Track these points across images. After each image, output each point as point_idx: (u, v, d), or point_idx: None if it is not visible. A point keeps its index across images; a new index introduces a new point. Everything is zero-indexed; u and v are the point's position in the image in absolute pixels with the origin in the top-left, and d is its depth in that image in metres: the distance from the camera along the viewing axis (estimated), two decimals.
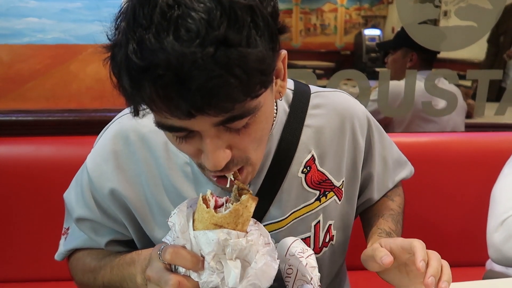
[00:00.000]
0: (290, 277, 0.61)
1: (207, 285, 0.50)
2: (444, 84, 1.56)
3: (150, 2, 0.43)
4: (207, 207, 0.50)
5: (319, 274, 0.60)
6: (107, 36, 0.48)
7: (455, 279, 0.72)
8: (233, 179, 0.54)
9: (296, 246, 0.62)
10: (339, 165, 0.73)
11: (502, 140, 1.36)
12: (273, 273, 0.52)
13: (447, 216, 1.35)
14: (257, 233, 0.52)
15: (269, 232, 0.68)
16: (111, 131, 0.70)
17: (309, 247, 0.72)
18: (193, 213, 0.52)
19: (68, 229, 0.78)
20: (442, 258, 0.61)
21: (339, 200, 0.75)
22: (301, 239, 0.71)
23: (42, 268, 1.28)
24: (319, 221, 0.73)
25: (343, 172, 0.74)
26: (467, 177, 1.34)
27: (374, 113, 1.57)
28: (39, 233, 1.27)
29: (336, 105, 0.74)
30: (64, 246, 0.77)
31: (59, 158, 1.28)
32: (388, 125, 1.66)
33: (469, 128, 1.70)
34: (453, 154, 1.37)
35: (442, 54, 2.90)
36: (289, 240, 0.63)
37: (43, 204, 1.26)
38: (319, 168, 0.72)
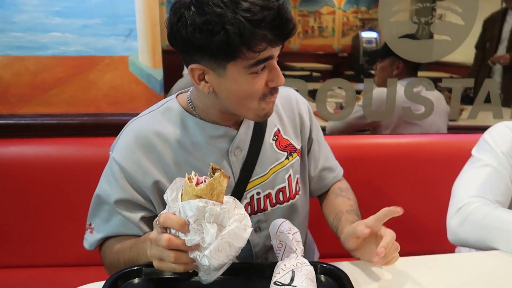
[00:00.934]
0: (280, 250, 0.76)
1: (191, 242, 0.64)
2: (427, 90, 1.69)
3: None
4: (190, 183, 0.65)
5: (302, 247, 0.75)
6: (195, 32, 0.72)
7: None
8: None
9: (284, 225, 0.76)
10: (296, 135, 0.99)
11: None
12: (245, 235, 0.66)
13: (427, 210, 1.48)
14: (231, 205, 0.67)
15: (257, 185, 0.90)
16: (130, 132, 0.88)
17: (287, 194, 0.95)
18: (182, 189, 0.67)
19: (90, 225, 0.92)
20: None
21: (301, 160, 1.00)
22: (279, 188, 0.93)
23: (59, 255, 1.40)
24: (290, 175, 0.95)
25: (300, 139, 0.98)
26: (445, 174, 1.46)
27: (361, 117, 1.71)
28: (60, 223, 1.39)
29: (287, 96, 1.00)
30: (93, 237, 0.91)
31: (79, 157, 1.39)
32: (376, 128, 1.79)
33: (452, 130, 1.83)
34: (434, 154, 1.50)
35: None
36: (279, 221, 0.78)
37: (65, 197, 1.38)
38: (284, 136, 0.97)
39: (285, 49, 0.82)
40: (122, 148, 0.87)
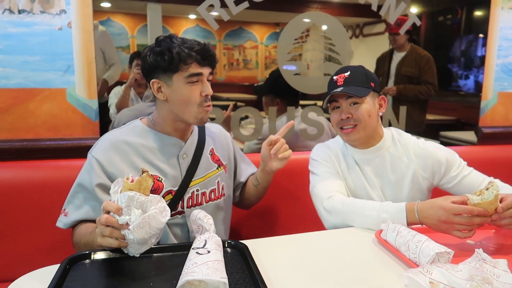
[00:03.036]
0: (198, 232, 1.03)
1: (122, 221, 0.88)
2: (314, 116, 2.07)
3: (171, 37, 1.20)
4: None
5: (214, 228, 1.02)
6: (150, 56, 1.19)
7: None
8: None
9: (201, 214, 1.04)
10: (223, 154, 1.39)
11: None
12: (163, 220, 0.90)
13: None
14: (156, 199, 0.92)
15: (197, 183, 1.23)
16: (106, 139, 1.21)
17: (216, 194, 1.29)
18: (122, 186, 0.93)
19: (65, 210, 1.19)
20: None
21: (226, 173, 1.38)
22: (212, 189, 1.27)
23: None
24: (218, 180, 1.29)
25: (225, 158, 1.33)
26: None
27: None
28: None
29: (219, 130, 1.44)
30: (67, 219, 1.17)
31: (19, 179, 1.52)
32: None
33: None
34: None
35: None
36: (196, 211, 1.05)
37: (7, 215, 1.49)
38: (216, 153, 1.37)
39: (212, 80, 1.16)
40: (99, 149, 1.19)
